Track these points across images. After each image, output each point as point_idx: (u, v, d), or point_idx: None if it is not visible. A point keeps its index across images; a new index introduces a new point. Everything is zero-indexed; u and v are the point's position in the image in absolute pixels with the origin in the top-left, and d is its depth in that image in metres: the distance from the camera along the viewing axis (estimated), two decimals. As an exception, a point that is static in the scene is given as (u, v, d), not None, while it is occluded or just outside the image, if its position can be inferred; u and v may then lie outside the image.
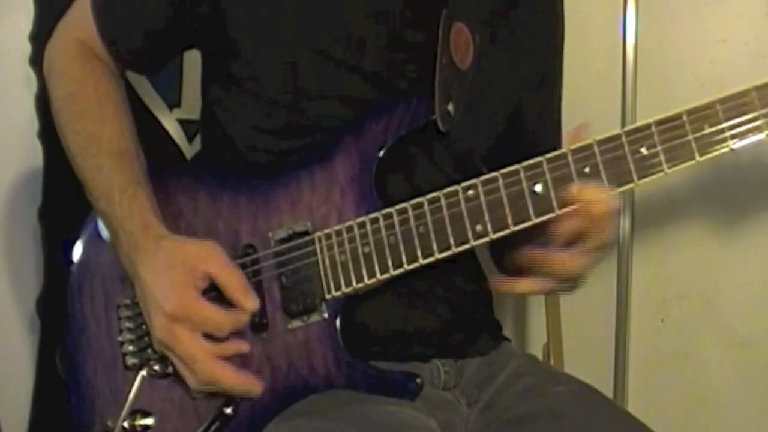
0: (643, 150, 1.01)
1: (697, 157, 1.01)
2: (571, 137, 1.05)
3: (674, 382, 1.85)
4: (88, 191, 1.17)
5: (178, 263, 1.07)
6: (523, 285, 1.06)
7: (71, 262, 1.21)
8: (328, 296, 1.08)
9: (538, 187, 1.03)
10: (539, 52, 1.28)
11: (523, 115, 1.28)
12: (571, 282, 1.07)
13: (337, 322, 1.09)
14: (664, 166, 1.01)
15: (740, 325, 1.81)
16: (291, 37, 1.14)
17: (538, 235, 1.04)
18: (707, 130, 1.01)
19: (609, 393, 1.73)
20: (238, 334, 1.09)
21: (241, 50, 1.16)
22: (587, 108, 1.76)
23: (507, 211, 1.03)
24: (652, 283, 1.84)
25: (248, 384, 1.08)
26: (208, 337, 1.06)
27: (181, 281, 1.06)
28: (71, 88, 1.20)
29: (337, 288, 1.08)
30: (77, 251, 1.21)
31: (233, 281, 1.07)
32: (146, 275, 1.08)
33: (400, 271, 1.06)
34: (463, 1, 1.17)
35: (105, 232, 1.18)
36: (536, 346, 1.77)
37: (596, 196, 1.01)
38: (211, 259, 1.07)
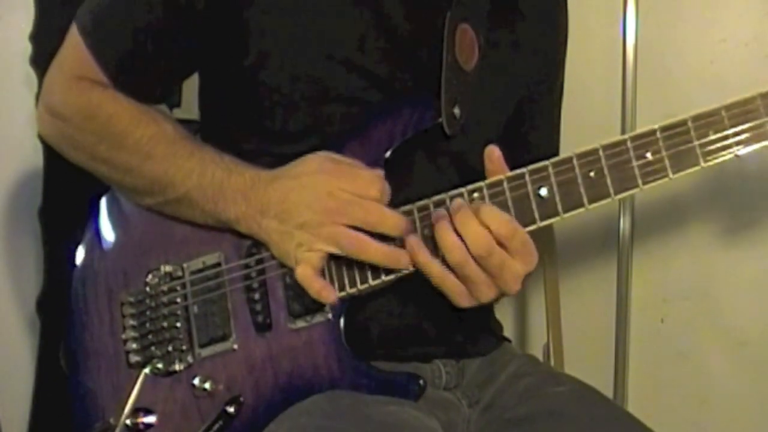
0: (648, 155, 1.02)
1: (702, 163, 1.02)
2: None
3: (674, 382, 1.86)
4: (163, 187, 1.13)
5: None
6: (429, 261, 1.05)
7: (74, 266, 1.21)
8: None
9: (544, 191, 1.04)
10: (541, 53, 1.28)
11: (523, 116, 1.28)
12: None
13: (341, 322, 1.08)
14: (669, 171, 1.02)
15: (740, 325, 1.82)
16: (296, 41, 1.13)
17: None
18: (712, 137, 1.02)
19: (609, 393, 1.74)
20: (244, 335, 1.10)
21: (248, 57, 1.15)
22: (587, 108, 1.77)
23: (512, 214, 1.04)
24: (652, 283, 1.84)
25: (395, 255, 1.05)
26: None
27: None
28: (103, 115, 1.15)
29: (342, 289, 1.08)
30: (78, 256, 1.21)
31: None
32: (286, 189, 1.06)
33: (405, 272, 1.06)
34: (467, 1, 1.17)
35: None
36: (536, 346, 1.77)
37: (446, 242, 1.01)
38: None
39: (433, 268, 1.03)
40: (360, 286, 1.07)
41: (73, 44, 1.18)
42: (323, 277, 1.07)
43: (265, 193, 1.07)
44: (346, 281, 1.08)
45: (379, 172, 1.06)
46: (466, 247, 1.01)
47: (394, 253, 1.04)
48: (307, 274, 1.05)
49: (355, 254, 1.04)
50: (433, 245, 1.04)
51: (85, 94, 1.16)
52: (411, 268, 1.05)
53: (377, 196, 1.04)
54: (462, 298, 1.05)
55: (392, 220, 1.04)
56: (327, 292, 1.06)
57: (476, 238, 1.00)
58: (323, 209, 1.04)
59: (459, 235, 1.01)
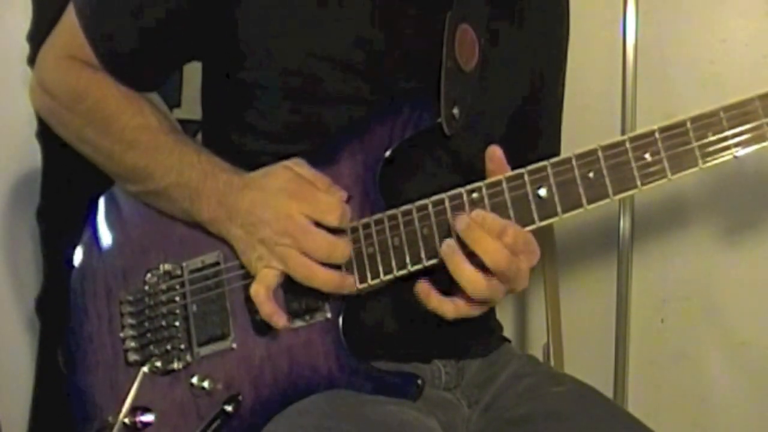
0: (647, 156, 1.02)
1: (701, 164, 1.02)
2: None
3: (674, 382, 1.86)
4: (143, 178, 1.14)
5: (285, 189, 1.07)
6: (440, 303, 1.05)
7: (74, 266, 1.21)
8: (331, 296, 1.08)
9: (542, 191, 1.04)
10: (543, 52, 1.28)
11: (524, 115, 1.28)
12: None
13: (340, 322, 1.08)
14: (668, 172, 1.02)
15: (740, 326, 1.82)
16: (297, 42, 1.13)
17: None
18: (711, 138, 1.02)
19: (609, 393, 1.74)
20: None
21: (246, 56, 1.15)
22: (587, 108, 1.77)
23: (511, 214, 1.04)
24: (652, 283, 1.84)
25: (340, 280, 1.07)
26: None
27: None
28: (91, 98, 1.17)
29: None
30: (77, 255, 1.22)
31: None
32: (253, 202, 1.07)
33: (403, 272, 1.06)
34: (467, 2, 1.17)
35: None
36: (536, 347, 1.77)
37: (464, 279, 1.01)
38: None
39: (447, 308, 1.04)
40: (359, 285, 1.07)
41: (69, 23, 1.19)
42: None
43: (235, 201, 1.08)
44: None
45: (341, 195, 1.07)
46: (483, 264, 1.01)
47: (340, 279, 1.06)
48: (259, 294, 1.06)
49: (303, 280, 1.05)
50: (431, 245, 1.05)
51: (74, 74, 1.18)
52: (356, 288, 1.07)
53: (334, 222, 1.05)
54: (476, 312, 1.05)
55: (339, 251, 1.05)
56: (277, 317, 1.06)
57: (495, 256, 1.00)
58: (281, 230, 1.05)
59: (471, 249, 1.01)
